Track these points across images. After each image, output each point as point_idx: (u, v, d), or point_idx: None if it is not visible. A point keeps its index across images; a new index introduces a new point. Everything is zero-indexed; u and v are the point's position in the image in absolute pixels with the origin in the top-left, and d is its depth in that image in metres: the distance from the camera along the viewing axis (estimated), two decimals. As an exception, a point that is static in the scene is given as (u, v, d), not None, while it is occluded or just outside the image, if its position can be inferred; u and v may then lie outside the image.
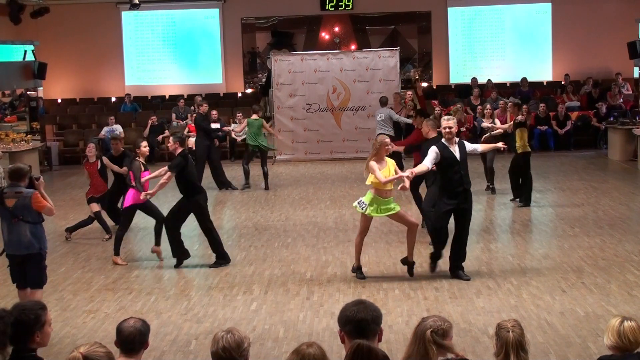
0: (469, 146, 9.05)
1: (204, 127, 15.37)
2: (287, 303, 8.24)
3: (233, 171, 17.55)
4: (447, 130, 8.81)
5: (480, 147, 9.65)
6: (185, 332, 7.47)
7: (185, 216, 9.95)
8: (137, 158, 10.10)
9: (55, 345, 7.13)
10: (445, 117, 9.15)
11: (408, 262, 9.04)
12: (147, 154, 10.27)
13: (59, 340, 7.32)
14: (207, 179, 15.21)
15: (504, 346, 4.19)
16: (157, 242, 10.11)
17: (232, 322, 7.56)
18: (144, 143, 10.27)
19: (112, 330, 6.17)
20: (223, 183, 15.50)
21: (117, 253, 10.05)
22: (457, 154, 8.79)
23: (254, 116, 15.26)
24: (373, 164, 8.66)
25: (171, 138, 10.11)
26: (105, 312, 8.15)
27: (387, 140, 9.00)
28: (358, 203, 8.84)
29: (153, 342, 7.11)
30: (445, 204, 8.87)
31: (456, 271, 8.92)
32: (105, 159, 11.52)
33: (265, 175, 15.31)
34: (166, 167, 9.80)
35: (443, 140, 8.85)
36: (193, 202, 9.73)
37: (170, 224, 9.84)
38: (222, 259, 9.85)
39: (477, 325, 7.34)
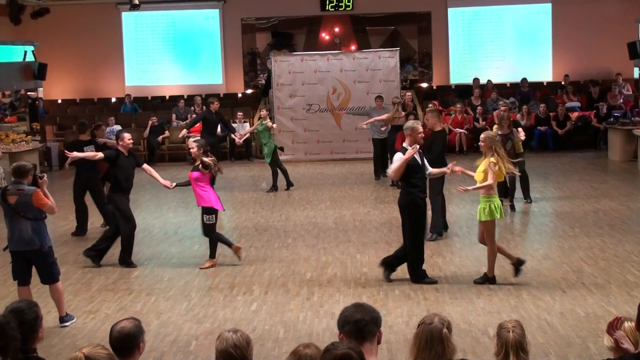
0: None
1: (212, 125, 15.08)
2: (287, 304, 8.24)
3: (233, 172, 17.57)
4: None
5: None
6: (185, 332, 7.47)
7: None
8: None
9: (56, 346, 7.15)
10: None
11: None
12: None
13: (59, 341, 7.34)
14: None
15: (503, 346, 4.20)
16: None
17: (232, 323, 7.56)
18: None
19: (112, 330, 6.21)
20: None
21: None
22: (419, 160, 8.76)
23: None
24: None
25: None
26: (106, 313, 8.15)
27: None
28: None
29: (153, 342, 7.12)
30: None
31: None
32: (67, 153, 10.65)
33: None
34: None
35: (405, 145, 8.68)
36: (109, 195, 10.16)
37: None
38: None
39: (477, 325, 7.34)
